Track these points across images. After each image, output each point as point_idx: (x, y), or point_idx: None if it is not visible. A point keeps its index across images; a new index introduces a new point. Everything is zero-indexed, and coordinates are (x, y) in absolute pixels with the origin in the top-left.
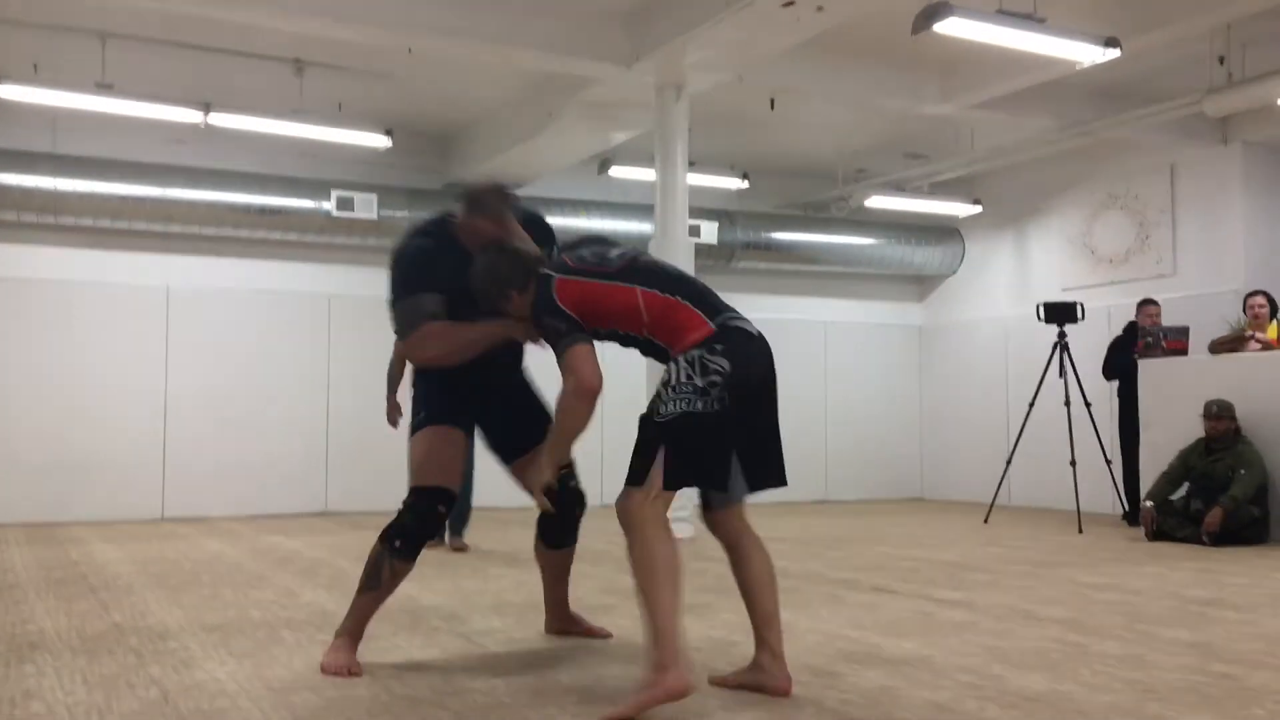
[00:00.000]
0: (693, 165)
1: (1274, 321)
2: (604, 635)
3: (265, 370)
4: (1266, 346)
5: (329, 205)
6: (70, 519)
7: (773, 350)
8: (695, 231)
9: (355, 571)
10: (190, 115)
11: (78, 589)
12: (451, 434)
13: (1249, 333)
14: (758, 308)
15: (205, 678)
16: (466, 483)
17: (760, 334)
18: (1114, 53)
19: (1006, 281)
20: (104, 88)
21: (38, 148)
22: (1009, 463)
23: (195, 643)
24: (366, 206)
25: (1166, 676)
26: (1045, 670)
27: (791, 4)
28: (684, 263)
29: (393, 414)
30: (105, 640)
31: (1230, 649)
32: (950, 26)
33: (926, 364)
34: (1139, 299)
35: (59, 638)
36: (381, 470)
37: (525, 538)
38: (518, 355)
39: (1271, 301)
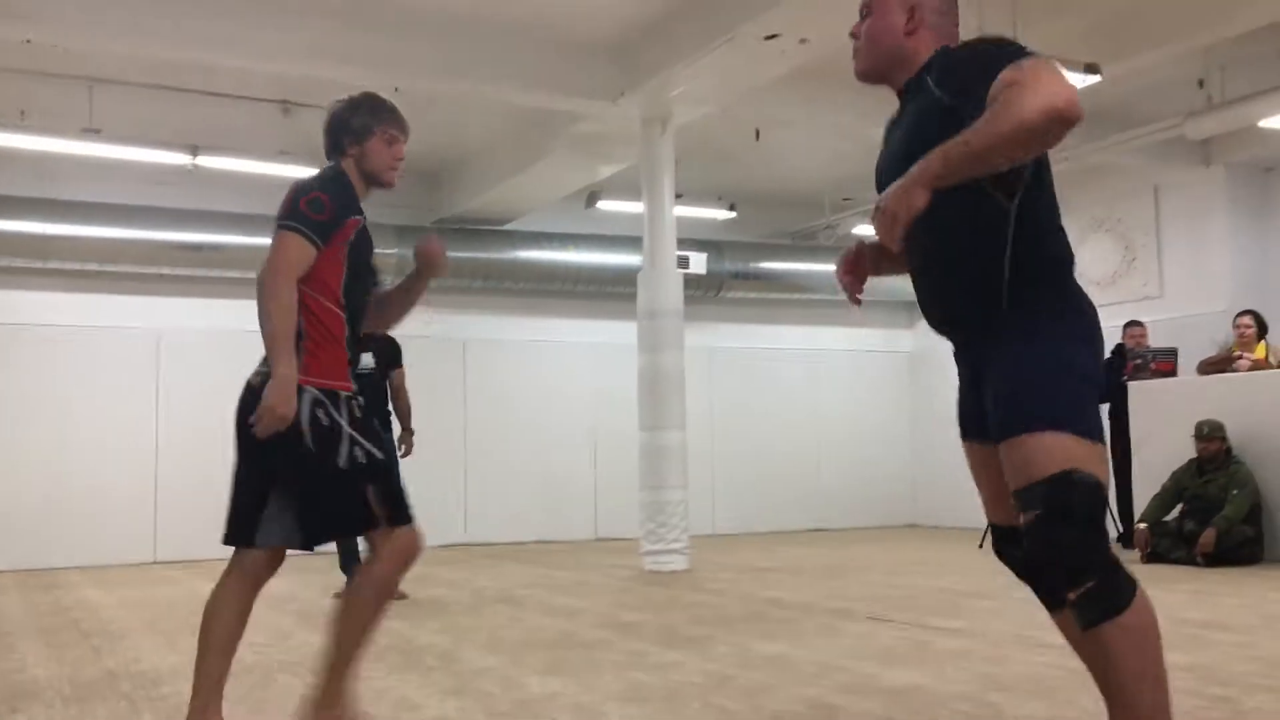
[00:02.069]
0: (680, 197)
1: (1262, 341)
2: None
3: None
4: (1256, 366)
5: None
6: (61, 564)
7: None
8: (684, 262)
9: None
10: (178, 158)
11: (70, 635)
12: None
13: (1237, 353)
14: (748, 337)
15: None
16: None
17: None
18: (1094, 78)
19: None
20: (91, 132)
21: (26, 193)
22: None
23: (189, 688)
24: None
25: None
26: (1043, 697)
27: (775, 37)
28: (673, 293)
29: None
30: (98, 687)
31: (1227, 671)
32: None
33: (917, 390)
34: (1127, 321)
35: (51, 686)
36: None
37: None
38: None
39: (1259, 321)
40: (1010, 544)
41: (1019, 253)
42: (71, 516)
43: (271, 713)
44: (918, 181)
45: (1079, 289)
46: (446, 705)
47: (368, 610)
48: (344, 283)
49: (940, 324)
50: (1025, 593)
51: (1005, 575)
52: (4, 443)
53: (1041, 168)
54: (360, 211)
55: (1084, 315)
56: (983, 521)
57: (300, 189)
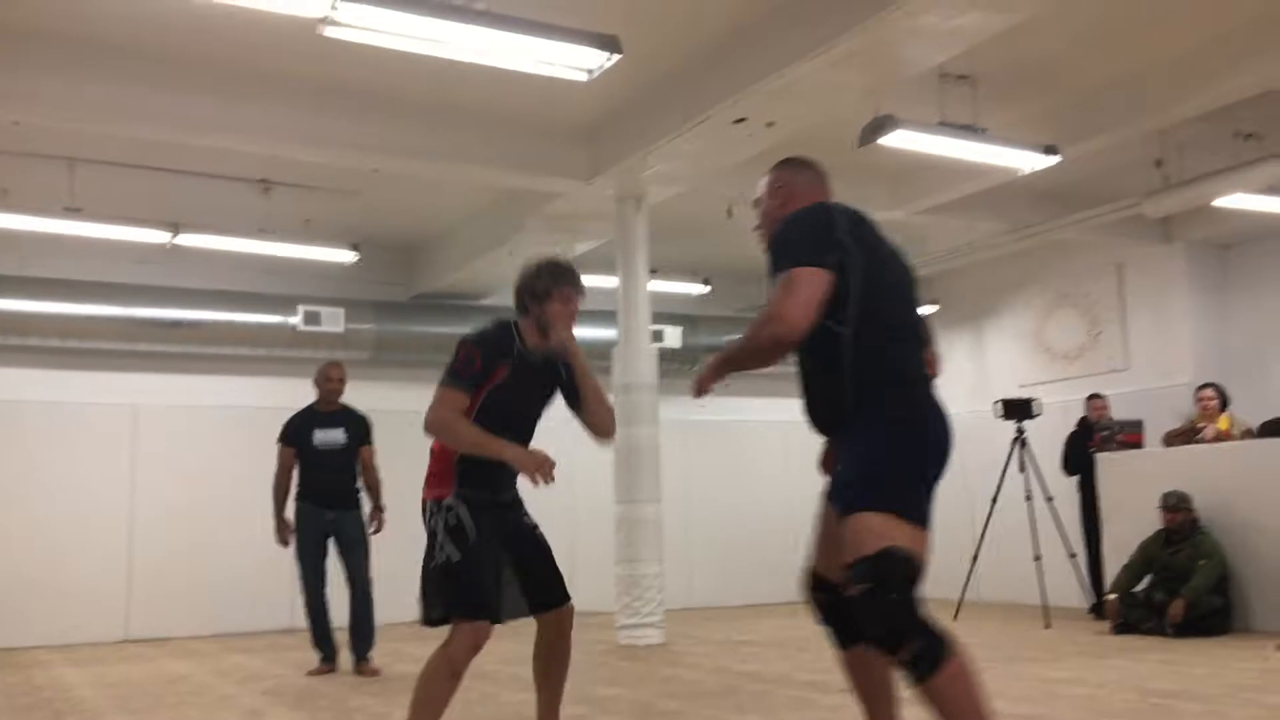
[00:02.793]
0: (654, 272)
1: (1225, 413)
2: None
3: (231, 486)
4: (1220, 437)
5: (296, 320)
6: (33, 643)
7: None
8: (659, 336)
9: (320, 688)
10: (158, 236)
11: (43, 715)
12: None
13: (1200, 424)
14: (722, 409)
15: None
16: (363, 600)
17: None
18: (1053, 159)
19: (965, 379)
20: (72, 211)
21: (5, 271)
22: (975, 559)
23: None
24: (334, 320)
25: None
26: None
27: (743, 120)
28: (648, 367)
29: (283, 531)
30: None
31: None
32: (895, 139)
33: None
34: (1088, 394)
35: None
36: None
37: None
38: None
39: (1220, 393)
40: (819, 590)
41: (857, 372)
42: (44, 594)
43: None
44: (709, 369)
45: (915, 396)
46: None
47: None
48: (474, 415)
49: (813, 427)
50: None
51: (972, 644)
52: None
53: (869, 299)
54: (510, 356)
55: (914, 421)
56: (957, 592)
57: (461, 343)
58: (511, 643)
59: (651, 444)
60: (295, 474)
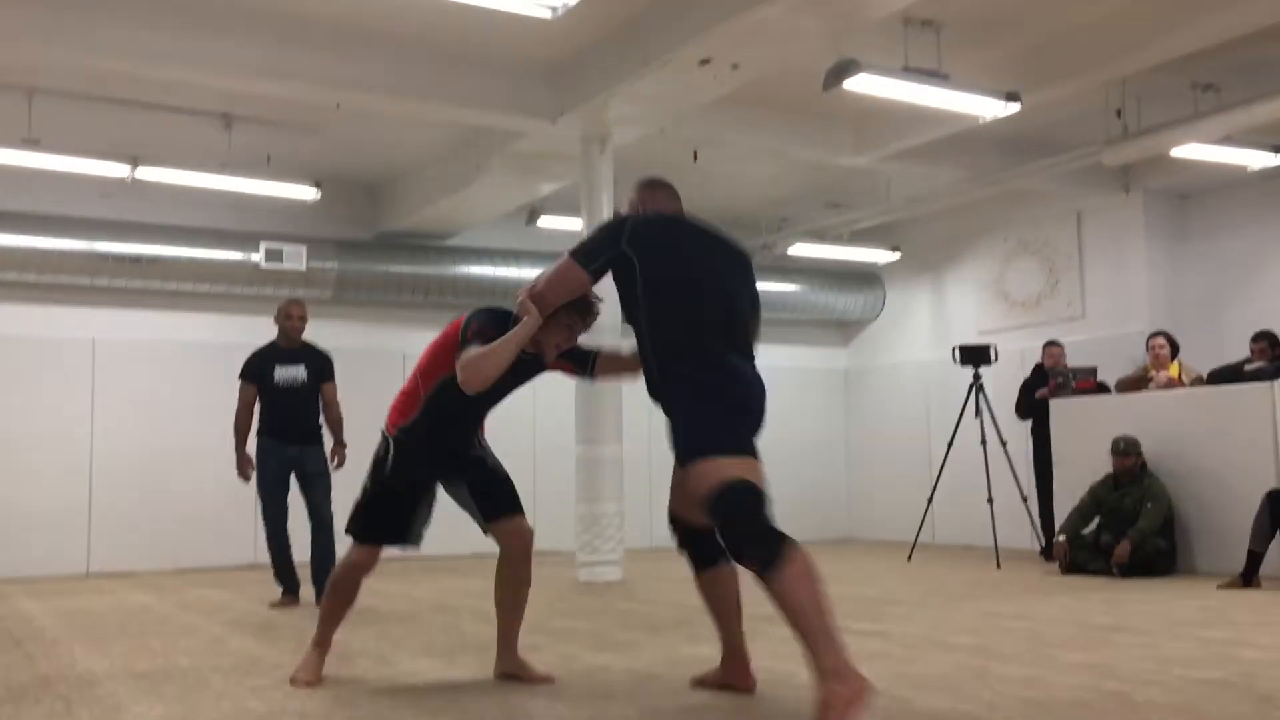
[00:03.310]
0: (619, 214)
1: (1175, 360)
2: (547, 680)
3: (192, 422)
4: (1170, 384)
5: (258, 257)
6: None
7: None
8: None
9: (281, 619)
10: (118, 169)
11: (1, 642)
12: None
13: (1151, 372)
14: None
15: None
16: (325, 534)
17: None
18: (1014, 107)
19: (926, 326)
20: (30, 143)
21: None
22: (930, 502)
23: (124, 689)
24: (295, 258)
25: (1060, 694)
26: (948, 692)
27: (708, 62)
28: (610, 308)
29: (244, 467)
30: (32, 689)
31: (1124, 669)
32: (858, 83)
33: (852, 407)
34: (1045, 340)
35: None
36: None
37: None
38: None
39: (1172, 342)
40: (675, 524)
41: (655, 349)
42: (3, 527)
43: (207, 710)
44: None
45: (706, 361)
46: (379, 703)
47: None
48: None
49: (650, 396)
50: (943, 601)
51: (923, 583)
52: None
53: (652, 294)
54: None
55: (708, 378)
56: (912, 534)
57: (472, 318)
58: (477, 579)
59: (613, 384)
60: (257, 410)
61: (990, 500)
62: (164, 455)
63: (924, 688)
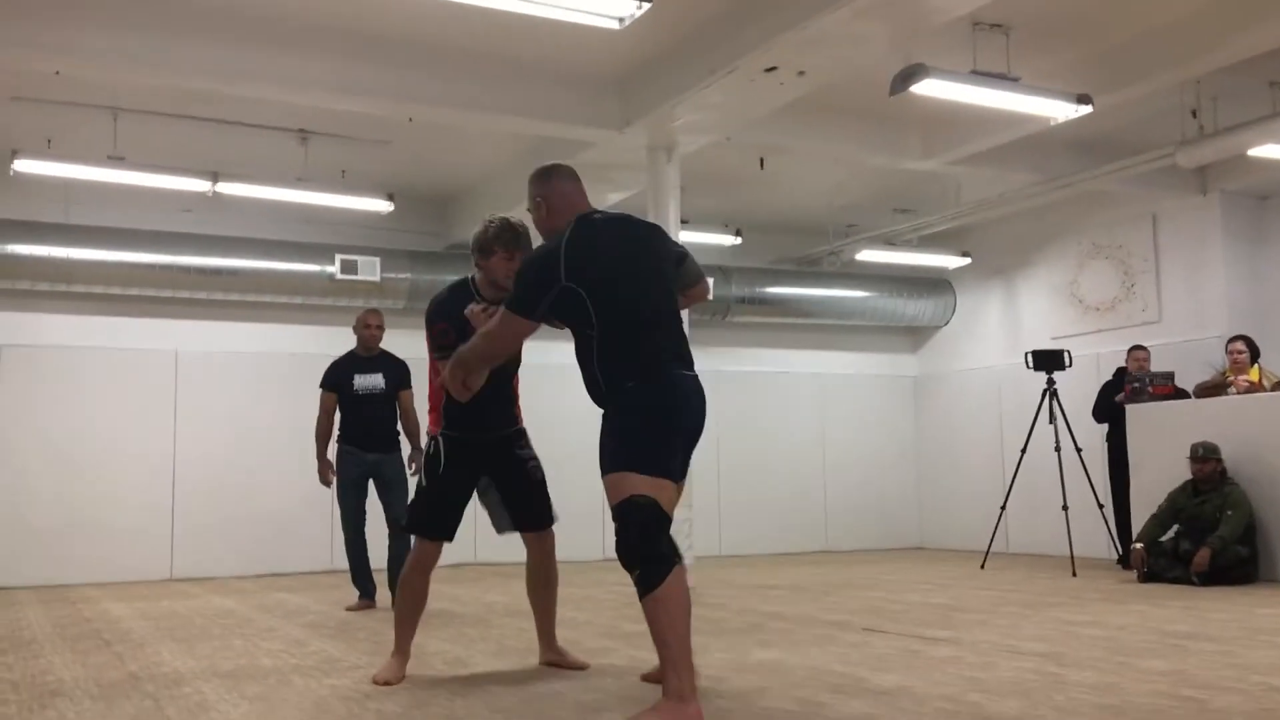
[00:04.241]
0: (686, 223)
1: (1255, 365)
2: (582, 666)
3: (271, 430)
4: (1250, 389)
5: (333, 269)
6: (80, 580)
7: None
8: None
9: (358, 621)
10: (198, 184)
11: (92, 643)
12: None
13: (1229, 377)
14: (754, 361)
15: (219, 717)
16: (401, 539)
17: None
18: (1086, 109)
19: (997, 331)
20: (115, 160)
21: (51, 219)
22: (1004, 509)
23: (209, 688)
24: (370, 269)
25: (1136, 700)
26: (1020, 697)
27: (774, 69)
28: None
29: (325, 473)
30: (122, 687)
31: (1202, 677)
32: (926, 88)
33: (922, 414)
34: (1127, 346)
35: (78, 686)
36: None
37: (524, 590)
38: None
39: (1251, 346)
40: None
41: (603, 368)
42: (90, 534)
43: (288, 709)
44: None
45: (649, 380)
46: (455, 704)
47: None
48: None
49: (594, 401)
50: (1016, 609)
51: (995, 591)
52: (25, 461)
53: (605, 312)
54: (449, 318)
55: (651, 400)
56: (984, 543)
57: (429, 323)
58: None
59: None
60: (337, 418)
61: (1065, 508)
62: (244, 462)
63: (995, 693)
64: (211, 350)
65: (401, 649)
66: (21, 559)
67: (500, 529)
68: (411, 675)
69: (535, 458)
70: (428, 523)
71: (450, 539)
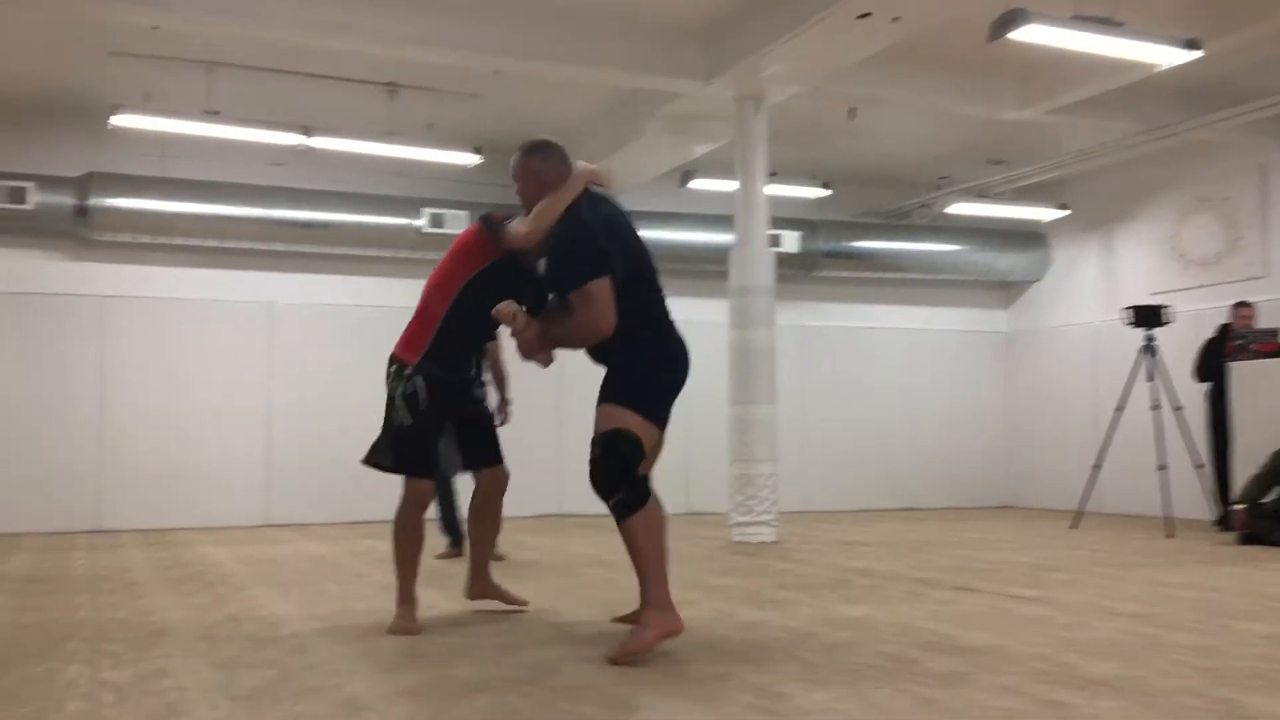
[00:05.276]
0: (774, 175)
1: None
2: (522, 603)
3: (361, 382)
4: None
5: (421, 222)
6: (179, 525)
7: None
8: (776, 241)
9: (448, 569)
10: (291, 138)
11: (194, 585)
12: None
13: None
14: (841, 316)
15: (318, 660)
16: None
17: None
18: (1195, 54)
19: (1094, 286)
20: (210, 114)
21: (149, 172)
22: (1098, 468)
23: (307, 630)
24: (457, 223)
25: (1238, 664)
26: (1117, 658)
27: (867, 15)
28: (765, 272)
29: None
30: (224, 628)
31: None
32: (1026, 33)
33: (1013, 370)
34: (1230, 302)
35: (182, 628)
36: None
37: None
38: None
39: None
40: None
41: (621, 318)
42: (189, 480)
43: (384, 651)
44: (538, 340)
45: (662, 334)
46: (545, 652)
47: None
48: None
49: (591, 358)
50: (1109, 569)
51: (1088, 551)
52: (125, 409)
53: (627, 274)
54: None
55: (663, 351)
56: (1075, 502)
57: (485, 219)
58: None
59: (767, 347)
60: None
61: (1162, 467)
62: (335, 412)
63: (1090, 654)
64: (305, 302)
65: (409, 596)
66: (125, 503)
67: (451, 471)
68: (501, 621)
69: (484, 399)
70: (418, 461)
71: (433, 475)
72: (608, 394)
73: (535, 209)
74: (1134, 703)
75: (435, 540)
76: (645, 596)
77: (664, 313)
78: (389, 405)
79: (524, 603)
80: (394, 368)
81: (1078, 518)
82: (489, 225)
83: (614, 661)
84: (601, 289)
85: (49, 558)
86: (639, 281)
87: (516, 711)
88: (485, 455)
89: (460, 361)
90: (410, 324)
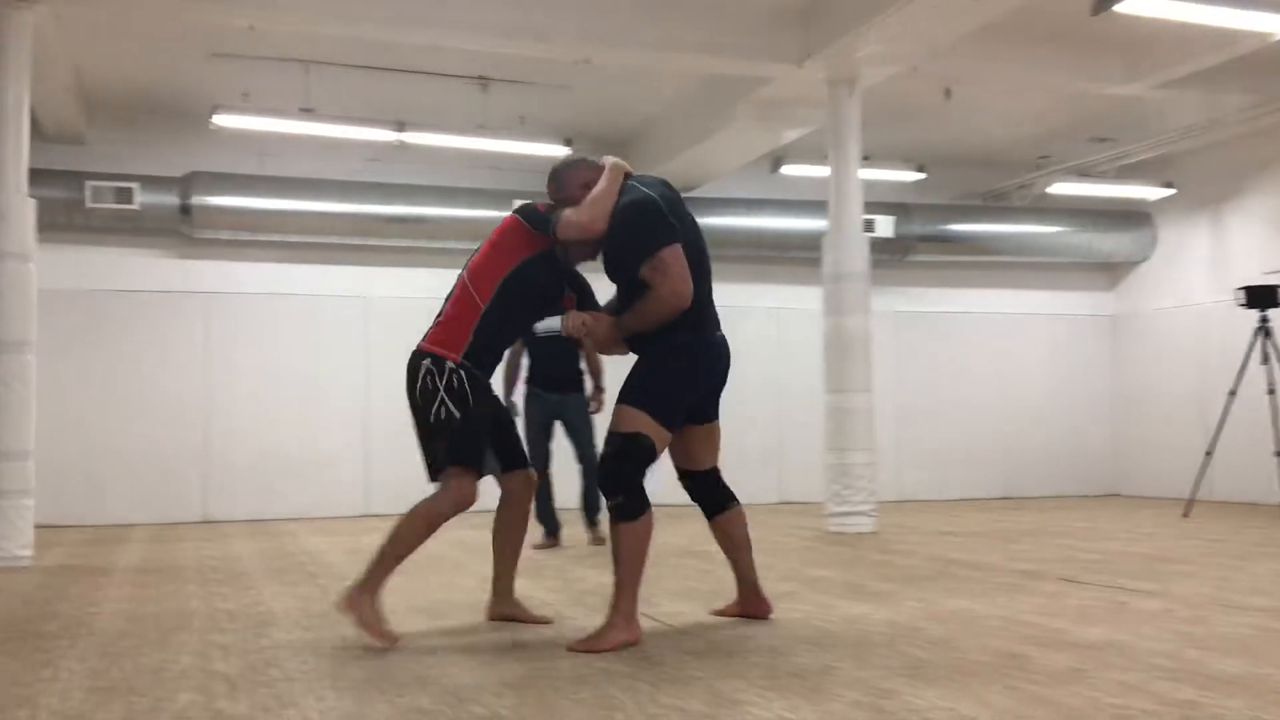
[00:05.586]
0: (867, 159)
1: None
2: (545, 621)
3: None
4: None
5: None
6: (282, 515)
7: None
8: (870, 226)
9: (545, 559)
10: (385, 134)
11: (298, 576)
12: None
13: None
14: (937, 301)
15: (420, 651)
16: (590, 475)
17: None
18: None
19: (1203, 266)
20: (307, 112)
21: (247, 170)
22: (1209, 455)
23: (409, 620)
24: None
25: None
26: (1244, 655)
27: None
28: (859, 257)
29: (513, 415)
30: (328, 619)
31: None
32: (1133, 5)
33: (1119, 354)
34: None
35: (288, 616)
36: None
37: (700, 531)
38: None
39: None
40: (685, 478)
41: None
42: (291, 471)
43: (484, 643)
44: (615, 331)
45: (702, 335)
46: (645, 645)
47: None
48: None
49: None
50: (1227, 560)
51: (1203, 541)
52: (228, 402)
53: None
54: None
55: (682, 351)
56: (1185, 489)
57: (526, 209)
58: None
59: (863, 333)
60: (525, 360)
61: (1279, 453)
62: None
63: (1215, 650)
64: (400, 295)
65: (379, 585)
66: (228, 494)
67: (486, 471)
68: (599, 613)
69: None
70: (472, 452)
71: (488, 471)
72: (631, 395)
73: (589, 197)
74: (1267, 700)
75: (534, 530)
76: (616, 602)
77: (706, 313)
78: (426, 404)
79: (547, 621)
80: (428, 361)
81: (1189, 506)
82: (537, 217)
83: (573, 649)
84: (675, 255)
85: (159, 548)
86: (694, 271)
87: (620, 706)
88: (517, 459)
89: (493, 360)
90: (443, 318)
